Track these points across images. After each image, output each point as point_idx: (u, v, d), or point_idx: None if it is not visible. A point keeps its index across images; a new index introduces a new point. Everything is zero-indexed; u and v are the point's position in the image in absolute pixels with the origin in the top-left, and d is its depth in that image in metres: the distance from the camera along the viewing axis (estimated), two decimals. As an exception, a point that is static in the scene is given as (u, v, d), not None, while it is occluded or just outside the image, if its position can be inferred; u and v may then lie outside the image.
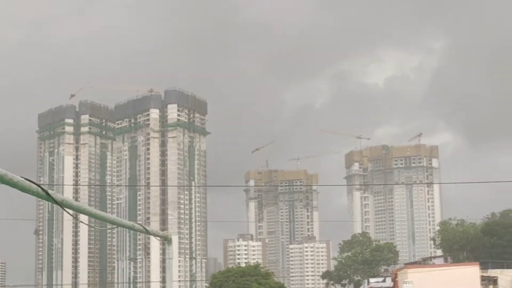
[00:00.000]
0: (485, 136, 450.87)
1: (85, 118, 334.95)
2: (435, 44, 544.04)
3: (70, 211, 10.19)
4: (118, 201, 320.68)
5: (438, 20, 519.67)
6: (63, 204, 9.29)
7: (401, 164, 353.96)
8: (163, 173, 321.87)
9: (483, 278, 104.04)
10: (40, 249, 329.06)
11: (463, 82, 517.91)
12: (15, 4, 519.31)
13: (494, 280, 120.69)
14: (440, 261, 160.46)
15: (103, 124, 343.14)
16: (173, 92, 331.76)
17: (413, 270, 50.66)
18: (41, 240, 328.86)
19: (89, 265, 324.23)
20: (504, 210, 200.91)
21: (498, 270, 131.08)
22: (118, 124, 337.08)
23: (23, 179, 7.48)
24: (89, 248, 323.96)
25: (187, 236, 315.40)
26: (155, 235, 17.57)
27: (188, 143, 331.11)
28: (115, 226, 15.64)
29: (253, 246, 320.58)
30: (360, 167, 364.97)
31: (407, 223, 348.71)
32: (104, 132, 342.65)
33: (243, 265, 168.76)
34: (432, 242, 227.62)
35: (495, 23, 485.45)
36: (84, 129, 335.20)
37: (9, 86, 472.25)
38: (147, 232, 16.07)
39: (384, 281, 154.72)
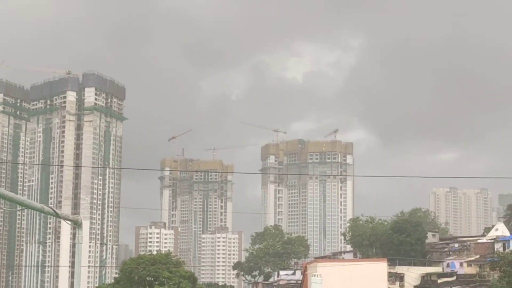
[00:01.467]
0: (397, 136, 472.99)
1: None
2: (353, 42, 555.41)
3: None
4: (30, 183, 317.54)
5: (357, 18, 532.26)
6: None
7: (316, 159, 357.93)
8: (77, 156, 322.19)
9: (390, 275, 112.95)
10: None
11: (378, 81, 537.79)
12: None
13: (401, 277, 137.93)
14: (350, 256, 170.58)
15: (18, 104, 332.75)
16: (91, 75, 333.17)
17: (323, 264, 47.54)
18: None
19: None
20: (413, 209, 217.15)
21: (405, 267, 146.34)
22: (33, 105, 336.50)
23: None
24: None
25: (99, 222, 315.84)
26: (65, 218, 16.49)
27: (105, 127, 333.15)
28: (24, 208, 14.86)
29: (165, 234, 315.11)
30: (275, 160, 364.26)
31: (319, 217, 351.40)
32: (18, 113, 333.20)
33: (154, 252, 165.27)
34: (342, 237, 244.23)
35: (412, 26, 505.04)
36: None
37: None
38: (57, 216, 15.16)
39: (294, 274, 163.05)
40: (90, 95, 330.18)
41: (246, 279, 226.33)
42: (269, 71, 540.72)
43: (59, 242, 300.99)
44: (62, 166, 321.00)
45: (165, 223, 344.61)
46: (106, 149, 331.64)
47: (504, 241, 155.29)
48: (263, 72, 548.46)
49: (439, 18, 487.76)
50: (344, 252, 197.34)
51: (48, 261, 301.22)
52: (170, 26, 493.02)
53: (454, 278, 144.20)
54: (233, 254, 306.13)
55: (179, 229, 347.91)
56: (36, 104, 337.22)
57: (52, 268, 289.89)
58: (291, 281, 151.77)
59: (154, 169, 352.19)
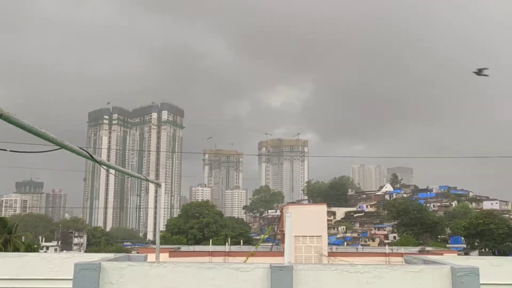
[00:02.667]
0: (331, 136, 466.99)
1: (115, 116, 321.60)
2: (306, 85, 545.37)
3: (104, 167, 9.27)
4: (132, 163, 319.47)
5: (308, 72, 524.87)
6: (100, 163, 8.59)
7: (288, 149, 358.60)
8: (158, 149, 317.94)
9: (328, 213, 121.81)
10: (87, 188, 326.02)
11: (322, 105, 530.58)
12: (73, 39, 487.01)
13: (334, 213, 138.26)
14: (306, 202, 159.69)
15: (126, 119, 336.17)
16: (165, 104, 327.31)
17: (292, 206, 41.75)
18: (87, 184, 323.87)
19: (114, 197, 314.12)
20: (341, 176, 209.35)
21: (336, 208, 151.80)
22: (134, 120, 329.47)
23: (78, 147, 6.75)
24: (114, 187, 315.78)
25: (170, 184, 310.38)
26: (152, 181, 15.79)
27: (173, 133, 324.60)
28: (129, 176, 15.04)
29: (206, 191, 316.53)
30: (266, 150, 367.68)
31: (290, 181, 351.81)
32: (125, 124, 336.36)
33: (199, 200, 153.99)
34: (302, 192, 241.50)
35: (341, 78, 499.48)
36: (114, 122, 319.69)
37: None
38: (147, 180, 15.28)
39: (275, 212, 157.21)
40: (164, 114, 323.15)
41: (250, 215, 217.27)
42: (262, 101, 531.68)
43: (148, 195, 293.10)
44: (149, 153, 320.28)
45: (205, 184, 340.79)
46: (173, 144, 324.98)
47: (390, 193, 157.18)
48: (259, 101, 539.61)
49: (353, 70, 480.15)
50: (303, 200, 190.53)
51: (142, 205, 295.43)
52: (207, 74, 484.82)
53: (363, 214, 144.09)
54: (243, 201, 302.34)
55: (213, 188, 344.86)
56: (135, 120, 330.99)
57: (145, 209, 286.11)
58: (274, 216, 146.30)
59: (198, 152, 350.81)
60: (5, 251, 34.12)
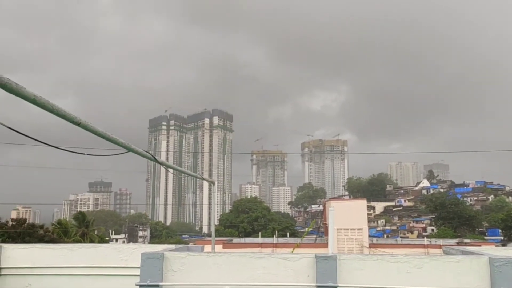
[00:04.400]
0: (367, 136, 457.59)
1: (172, 122, 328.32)
2: (343, 88, 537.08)
3: (165, 167, 9.44)
4: (188, 163, 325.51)
5: (344, 75, 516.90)
6: (162, 164, 8.73)
7: (329, 148, 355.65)
8: (210, 151, 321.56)
9: (368, 207, 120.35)
10: (149, 187, 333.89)
11: (358, 108, 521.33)
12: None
13: (373, 207, 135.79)
14: (347, 197, 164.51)
15: (181, 125, 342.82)
16: (216, 110, 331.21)
17: (334, 201, 39.03)
18: (149, 183, 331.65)
19: (173, 194, 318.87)
20: (379, 173, 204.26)
21: (375, 203, 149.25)
22: (188, 125, 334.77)
23: (142, 150, 6.73)
24: (173, 186, 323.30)
25: (221, 182, 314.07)
26: (206, 180, 15.98)
27: (223, 135, 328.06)
28: (186, 175, 18.13)
29: (254, 188, 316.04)
30: (308, 150, 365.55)
31: (331, 178, 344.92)
32: (181, 130, 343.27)
33: (249, 197, 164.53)
34: (343, 188, 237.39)
35: (376, 79, 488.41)
36: (172, 127, 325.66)
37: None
38: (202, 178, 14.47)
39: (319, 206, 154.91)
40: (215, 120, 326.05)
41: (295, 209, 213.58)
42: (302, 104, 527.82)
43: (202, 192, 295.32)
44: (203, 154, 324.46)
45: (254, 182, 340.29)
46: (224, 146, 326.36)
47: (427, 189, 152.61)
48: (299, 105, 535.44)
49: (388, 74, 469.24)
50: (344, 196, 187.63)
51: (198, 202, 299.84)
52: (251, 81, 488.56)
53: (401, 208, 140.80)
54: (288, 197, 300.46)
55: (261, 185, 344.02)
56: (190, 125, 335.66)
57: (200, 205, 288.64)
58: (317, 210, 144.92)
59: (247, 153, 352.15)
60: (83, 242, 35.62)
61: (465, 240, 38.61)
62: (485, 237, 79.31)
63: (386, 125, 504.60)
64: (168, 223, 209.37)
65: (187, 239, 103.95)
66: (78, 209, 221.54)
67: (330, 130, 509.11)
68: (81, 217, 43.82)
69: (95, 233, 44.95)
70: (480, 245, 27.66)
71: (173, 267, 7.99)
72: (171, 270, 7.98)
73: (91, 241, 38.31)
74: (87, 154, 5.10)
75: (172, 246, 10.25)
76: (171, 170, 10.35)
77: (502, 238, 76.37)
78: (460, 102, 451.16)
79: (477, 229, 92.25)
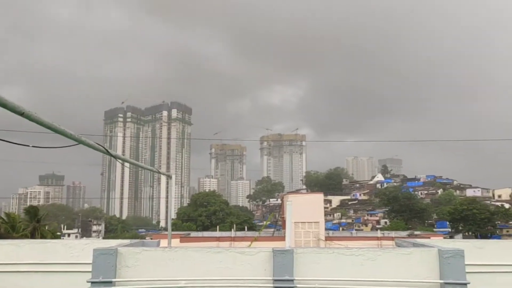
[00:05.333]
0: (324, 131, 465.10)
1: (129, 114, 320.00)
2: (301, 83, 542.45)
3: (119, 161, 9.14)
4: (145, 156, 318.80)
5: (303, 71, 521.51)
6: (116, 157, 8.44)
7: (287, 143, 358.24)
8: (169, 143, 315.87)
9: (325, 201, 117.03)
10: (104, 180, 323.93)
11: (316, 103, 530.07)
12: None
13: (330, 201, 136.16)
14: (305, 191, 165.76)
15: (138, 117, 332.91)
16: (175, 102, 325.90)
17: (292, 195, 37.52)
18: (104, 176, 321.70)
19: (129, 188, 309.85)
20: (336, 167, 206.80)
21: (332, 196, 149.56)
22: (146, 118, 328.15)
23: (95, 143, 6.50)
24: (129, 179, 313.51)
25: (180, 175, 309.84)
26: (163, 173, 15.24)
27: (182, 128, 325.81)
28: (142, 168, 16.53)
29: (213, 181, 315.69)
30: (267, 144, 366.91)
31: (289, 172, 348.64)
32: (139, 122, 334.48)
33: (207, 190, 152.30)
34: (301, 182, 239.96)
35: (334, 76, 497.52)
36: (128, 119, 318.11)
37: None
38: (159, 172, 14.98)
39: (277, 200, 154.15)
40: (174, 112, 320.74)
41: (254, 203, 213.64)
42: (261, 99, 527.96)
43: (160, 186, 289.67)
44: (161, 147, 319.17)
45: (212, 176, 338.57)
46: (182, 139, 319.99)
47: (381, 183, 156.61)
48: (258, 100, 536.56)
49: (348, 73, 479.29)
50: (301, 189, 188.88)
51: (155, 195, 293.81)
52: (211, 75, 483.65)
53: (356, 201, 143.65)
54: (246, 191, 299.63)
55: (219, 179, 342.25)
56: (147, 118, 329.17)
57: (157, 199, 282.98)
58: (275, 204, 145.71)
59: (207, 140, 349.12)
60: (33, 238, 34.25)
61: (416, 232, 40.07)
62: (434, 229, 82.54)
63: (343, 121, 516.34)
64: (124, 217, 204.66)
65: (144, 233, 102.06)
66: (28, 203, 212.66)
67: (289, 124, 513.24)
68: (33, 211, 41.89)
69: (47, 228, 43.27)
70: (429, 237, 28.81)
71: (127, 263, 7.79)
72: (125, 266, 7.78)
73: (43, 237, 36.82)
74: (32, 146, 4.79)
75: (127, 241, 9.98)
76: (126, 164, 9.92)
77: (450, 230, 79.67)
78: (412, 100, 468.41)
79: (426, 221, 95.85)
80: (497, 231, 76.99)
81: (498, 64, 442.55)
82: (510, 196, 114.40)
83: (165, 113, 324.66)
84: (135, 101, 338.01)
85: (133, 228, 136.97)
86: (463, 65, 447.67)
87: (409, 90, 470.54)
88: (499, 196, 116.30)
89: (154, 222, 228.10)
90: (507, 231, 79.94)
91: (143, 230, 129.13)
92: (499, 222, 77.93)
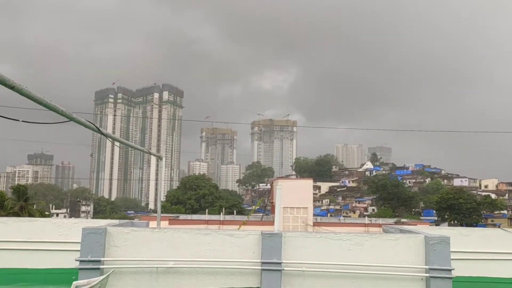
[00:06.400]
0: (314, 118, 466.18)
1: (119, 95, 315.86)
2: (293, 69, 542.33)
3: (109, 139, 8.92)
4: (135, 138, 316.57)
5: (295, 56, 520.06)
6: (106, 135, 8.33)
7: (278, 128, 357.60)
8: (159, 125, 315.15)
9: (314, 187, 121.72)
10: (93, 161, 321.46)
11: (306, 89, 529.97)
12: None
13: (319, 187, 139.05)
14: (294, 177, 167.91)
15: (129, 99, 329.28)
16: (166, 85, 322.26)
17: (281, 180, 37.97)
18: (94, 157, 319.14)
19: (118, 169, 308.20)
20: (327, 154, 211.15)
21: (321, 183, 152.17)
22: (137, 99, 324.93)
23: (86, 120, 6.40)
24: (119, 161, 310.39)
25: (170, 159, 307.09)
26: (154, 154, 14.96)
27: (173, 111, 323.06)
28: (132, 148, 16.58)
29: (203, 165, 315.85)
30: (258, 129, 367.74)
31: (280, 158, 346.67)
32: (129, 103, 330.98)
33: (197, 174, 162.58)
34: (291, 168, 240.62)
35: (326, 62, 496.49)
36: (119, 101, 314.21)
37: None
38: (150, 153, 14.69)
39: (266, 185, 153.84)
40: (165, 95, 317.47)
41: (243, 188, 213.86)
42: (253, 84, 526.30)
43: (150, 168, 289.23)
44: (151, 130, 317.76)
45: (202, 160, 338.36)
46: (173, 122, 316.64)
47: (370, 170, 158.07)
48: (250, 85, 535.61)
49: (338, 58, 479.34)
50: (291, 175, 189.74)
51: (144, 178, 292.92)
52: (203, 58, 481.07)
53: (345, 188, 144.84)
54: (236, 176, 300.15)
55: (209, 162, 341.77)
56: (138, 99, 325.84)
57: (147, 181, 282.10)
58: (265, 189, 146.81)
59: (199, 132, 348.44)
60: (21, 217, 34.06)
61: (402, 220, 40.63)
62: (421, 217, 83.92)
63: (334, 108, 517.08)
64: (113, 199, 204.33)
65: (132, 215, 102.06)
66: (16, 182, 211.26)
67: (280, 110, 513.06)
68: (21, 190, 41.69)
69: (34, 207, 43.08)
70: (416, 225, 29.20)
71: (116, 243, 7.82)
72: (114, 245, 7.80)
73: (30, 216, 36.68)
74: (22, 121, 4.71)
75: (116, 221, 10.00)
76: (116, 143, 9.94)
77: (436, 218, 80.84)
78: (402, 90, 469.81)
79: (413, 209, 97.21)
80: (482, 221, 78.25)
81: (491, 56, 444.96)
82: (496, 186, 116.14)
83: (156, 95, 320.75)
84: (126, 83, 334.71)
85: (122, 209, 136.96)
86: (457, 56, 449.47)
87: (401, 79, 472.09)
88: (486, 187, 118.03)
89: (143, 204, 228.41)
90: (492, 221, 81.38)
91: (132, 211, 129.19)
92: (484, 211, 79.19)
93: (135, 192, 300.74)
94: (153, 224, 13.13)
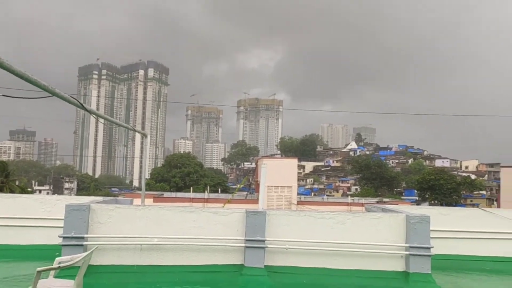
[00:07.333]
0: (300, 97, 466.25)
1: (104, 72, 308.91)
2: (279, 48, 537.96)
3: (93, 115, 8.58)
4: (120, 115, 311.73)
5: (281, 35, 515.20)
6: (90, 112, 8.08)
7: (264, 107, 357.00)
8: (145, 103, 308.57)
9: (298, 166, 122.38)
10: (77, 138, 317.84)
11: (292, 68, 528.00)
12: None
13: (303, 167, 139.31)
14: (279, 156, 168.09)
15: (114, 75, 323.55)
16: (152, 62, 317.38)
17: (266, 159, 37.40)
18: (77, 134, 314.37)
19: (103, 147, 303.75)
20: (312, 134, 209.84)
21: (305, 162, 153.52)
22: (122, 76, 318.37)
23: (69, 95, 6.18)
24: (103, 138, 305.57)
25: (155, 136, 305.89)
26: (138, 131, 14.27)
27: (158, 88, 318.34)
28: (116, 125, 11.29)
29: (188, 143, 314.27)
30: (244, 108, 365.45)
31: (264, 137, 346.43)
32: (114, 80, 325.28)
33: (182, 152, 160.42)
34: (276, 147, 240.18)
35: (312, 41, 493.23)
36: (103, 77, 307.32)
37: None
38: (134, 130, 13.63)
39: (251, 164, 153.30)
40: (151, 72, 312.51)
41: (228, 166, 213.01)
42: (238, 62, 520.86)
43: (134, 145, 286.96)
44: (136, 107, 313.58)
45: (188, 138, 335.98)
46: (159, 99, 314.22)
47: (354, 150, 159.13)
48: (236, 63, 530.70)
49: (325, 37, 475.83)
50: (276, 154, 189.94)
51: (129, 155, 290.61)
52: (189, 36, 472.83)
53: (329, 168, 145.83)
54: (221, 154, 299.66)
55: (194, 141, 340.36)
56: (123, 75, 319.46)
57: (131, 158, 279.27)
58: (250, 168, 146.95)
59: (185, 110, 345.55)
60: (2, 193, 33.63)
61: (384, 199, 41.27)
62: (402, 197, 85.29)
63: (319, 87, 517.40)
64: (97, 176, 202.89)
65: (117, 192, 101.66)
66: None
67: (266, 89, 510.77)
68: (1, 166, 41.03)
69: (16, 183, 42.53)
70: (397, 204, 29.72)
71: (99, 219, 7.81)
72: (97, 222, 7.79)
73: (11, 192, 36.26)
74: (2, 95, 4.60)
75: (100, 198, 9.96)
76: (100, 120, 9.64)
77: (417, 198, 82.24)
78: (388, 71, 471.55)
79: (395, 189, 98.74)
80: (462, 201, 79.99)
81: (479, 38, 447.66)
82: (476, 167, 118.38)
83: (141, 72, 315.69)
84: (110, 59, 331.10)
85: (106, 186, 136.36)
86: (444, 39, 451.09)
87: (388, 60, 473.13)
88: (466, 167, 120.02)
89: (127, 181, 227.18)
90: (471, 201, 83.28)
91: (116, 189, 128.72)
92: (464, 192, 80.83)
93: (119, 170, 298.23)
94: (137, 201, 13.11)
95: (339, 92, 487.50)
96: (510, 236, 10.14)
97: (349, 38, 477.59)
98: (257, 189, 33.82)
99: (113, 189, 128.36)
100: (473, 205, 75.79)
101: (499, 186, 67.36)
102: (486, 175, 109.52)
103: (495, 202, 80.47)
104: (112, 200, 10.17)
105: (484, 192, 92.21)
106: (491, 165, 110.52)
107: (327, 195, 77.90)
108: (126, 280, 7.44)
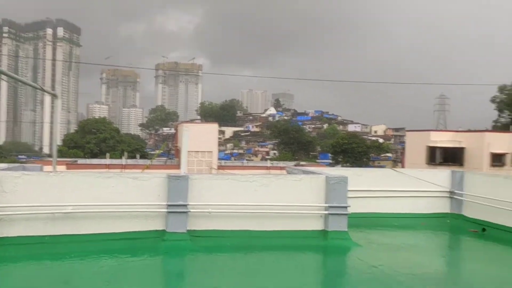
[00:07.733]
0: (220, 62, 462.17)
1: (5, 29, 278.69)
2: (198, 10, 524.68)
3: None
4: (26, 77, 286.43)
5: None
6: None
7: (184, 71, 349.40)
8: (54, 64, 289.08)
9: (219, 131, 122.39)
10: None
11: (213, 32, 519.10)
12: None
13: (223, 132, 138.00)
14: (199, 121, 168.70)
15: (18, 34, 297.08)
16: (61, 20, 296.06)
17: (186, 124, 36.12)
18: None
19: (7, 112, 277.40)
20: (232, 99, 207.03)
21: (225, 127, 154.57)
22: (27, 35, 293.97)
23: None
24: (7, 100, 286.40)
25: (66, 101, 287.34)
26: (48, 92, 13.65)
27: (69, 49, 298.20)
28: (23, 84, 12.38)
29: (103, 108, 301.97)
30: (163, 72, 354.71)
31: (184, 102, 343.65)
32: (18, 39, 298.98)
33: (97, 117, 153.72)
34: (196, 112, 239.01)
35: (231, 4, 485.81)
36: (5, 35, 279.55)
37: None
38: (43, 90, 12.70)
39: (170, 130, 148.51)
40: (60, 31, 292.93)
41: (146, 132, 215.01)
42: (156, 23, 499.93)
43: (43, 110, 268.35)
44: (44, 69, 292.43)
45: (103, 102, 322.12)
46: (70, 61, 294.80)
47: (273, 116, 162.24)
48: (154, 24, 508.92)
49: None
50: (196, 120, 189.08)
51: (37, 120, 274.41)
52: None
53: (249, 133, 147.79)
54: (139, 120, 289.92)
55: (110, 105, 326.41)
56: (28, 34, 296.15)
57: (40, 123, 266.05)
58: (169, 133, 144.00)
59: (99, 73, 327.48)
60: None
61: (301, 163, 42.94)
62: (317, 160, 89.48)
63: (239, 53, 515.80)
64: (0, 143, 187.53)
65: (25, 159, 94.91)
66: None
67: (185, 52, 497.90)
68: None
69: None
70: (312, 167, 30.98)
71: (4, 188, 7.12)
72: (2, 191, 7.11)
73: None
74: None
75: (4, 165, 9.08)
76: (3, 77, 8.67)
77: (331, 161, 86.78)
78: (307, 37, 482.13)
79: (311, 153, 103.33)
80: (370, 163, 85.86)
81: (386, 7, 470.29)
82: (384, 132, 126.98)
83: (49, 31, 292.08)
84: (13, 15, 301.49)
85: (12, 154, 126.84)
86: (361, 6, 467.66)
87: (307, 25, 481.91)
88: (375, 132, 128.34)
89: (36, 148, 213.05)
90: (379, 163, 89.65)
91: (23, 156, 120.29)
92: (373, 154, 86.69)
93: (27, 136, 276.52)
94: (48, 168, 12.21)
95: (259, 58, 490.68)
96: (416, 194, 11.01)
97: (268, 3, 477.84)
98: (177, 155, 33.44)
99: (20, 156, 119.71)
100: (380, 167, 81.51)
101: (403, 149, 72.94)
102: (393, 139, 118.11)
103: (399, 164, 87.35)
104: (18, 167, 9.35)
105: (390, 154, 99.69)
106: (397, 130, 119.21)
107: (246, 160, 79.23)
108: (37, 251, 6.94)
